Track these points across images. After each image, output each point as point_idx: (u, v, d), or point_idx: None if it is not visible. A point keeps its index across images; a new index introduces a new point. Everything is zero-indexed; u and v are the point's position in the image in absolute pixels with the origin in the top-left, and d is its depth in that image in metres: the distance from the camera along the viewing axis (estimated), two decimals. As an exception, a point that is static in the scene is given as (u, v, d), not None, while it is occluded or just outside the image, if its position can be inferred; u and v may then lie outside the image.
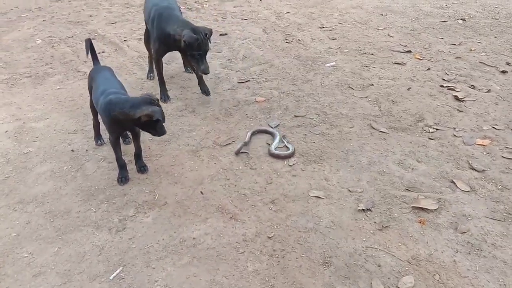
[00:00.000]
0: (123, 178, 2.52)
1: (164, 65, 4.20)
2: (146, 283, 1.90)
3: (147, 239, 2.13)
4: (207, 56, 3.19)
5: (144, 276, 1.93)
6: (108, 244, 2.10)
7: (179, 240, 2.12)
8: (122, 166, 2.54)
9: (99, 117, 2.66)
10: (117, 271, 1.95)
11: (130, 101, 2.34)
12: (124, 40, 4.86)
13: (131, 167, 2.65)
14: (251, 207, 2.34)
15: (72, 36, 5.03)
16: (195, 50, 3.04)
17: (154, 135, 2.42)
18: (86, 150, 2.84)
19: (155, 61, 3.50)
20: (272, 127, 3.10)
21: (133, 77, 3.95)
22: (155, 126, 2.34)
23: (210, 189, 2.48)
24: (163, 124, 2.37)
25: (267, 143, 2.91)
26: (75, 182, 2.54)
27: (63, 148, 2.87)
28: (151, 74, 3.92)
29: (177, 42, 3.13)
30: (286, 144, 2.87)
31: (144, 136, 2.97)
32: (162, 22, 3.22)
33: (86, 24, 5.47)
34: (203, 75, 3.34)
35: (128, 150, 2.81)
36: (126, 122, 2.33)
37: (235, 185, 2.51)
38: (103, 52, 4.54)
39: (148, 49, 3.87)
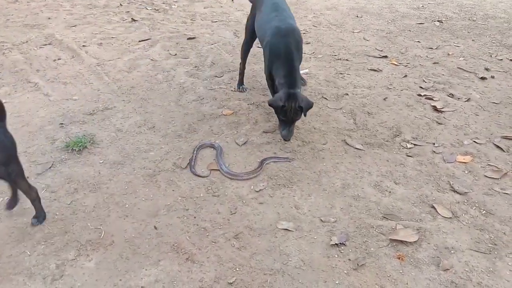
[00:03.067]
0: None
1: (124, 73, 3.89)
2: None
3: (87, 289, 1.83)
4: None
5: (81, 338, 1.64)
6: (41, 297, 1.80)
7: (125, 289, 1.83)
8: None
9: None
10: (49, 333, 1.66)
11: None
12: (83, 46, 4.49)
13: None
14: (211, 244, 2.07)
15: (27, 41, 4.62)
16: (279, 114, 2.73)
17: None
18: (27, 177, 2.51)
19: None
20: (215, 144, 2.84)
21: (88, 87, 3.61)
22: None
23: (165, 222, 2.20)
24: None
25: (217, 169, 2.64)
26: (10, 218, 2.21)
27: (1, 175, 2.53)
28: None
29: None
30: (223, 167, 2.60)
31: (95, 157, 2.67)
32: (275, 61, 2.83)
33: (43, 27, 5.07)
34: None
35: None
36: None
37: (195, 217, 2.24)
38: (58, 59, 4.18)
39: None
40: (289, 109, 2.65)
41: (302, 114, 2.73)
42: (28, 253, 2.01)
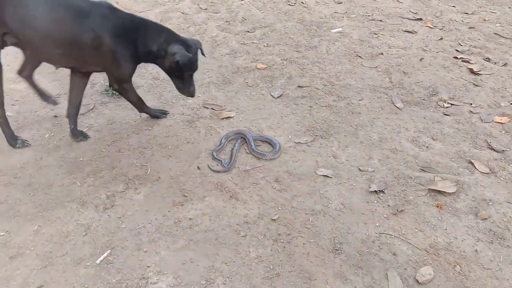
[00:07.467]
0: None
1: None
2: (137, 268, 1.71)
3: (138, 218, 1.92)
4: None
5: (135, 260, 1.74)
6: (94, 223, 1.89)
7: (174, 220, 1.91)
8: None
9: None
10: (105, 254, 1.75)
11: None
12: (114, -3, 4.47)
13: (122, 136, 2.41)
14: (252, 185, 2.13)
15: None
16: (187, 70, 2.22)
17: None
18: (73, 117, 2.57)
19: (129, 88, 2.36)
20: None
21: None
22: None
23: (207, 164, 2.26)
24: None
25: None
26: (58, 152, 2.29)
27: (45, 114, 2.61)
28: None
29: (160, 59, 2.21)
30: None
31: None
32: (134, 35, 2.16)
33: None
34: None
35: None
36: None
37: (235, 160, 2.29)
38: (90, 9, 4.16)
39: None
40: (194, 57, 2.21)
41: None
42: (79, 184, 2.09)
